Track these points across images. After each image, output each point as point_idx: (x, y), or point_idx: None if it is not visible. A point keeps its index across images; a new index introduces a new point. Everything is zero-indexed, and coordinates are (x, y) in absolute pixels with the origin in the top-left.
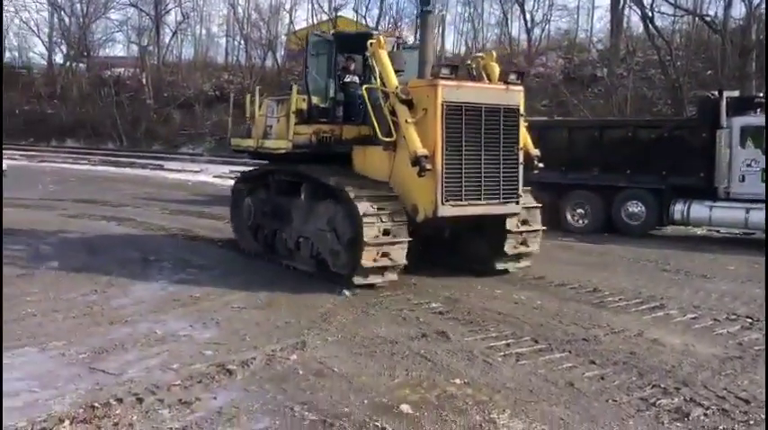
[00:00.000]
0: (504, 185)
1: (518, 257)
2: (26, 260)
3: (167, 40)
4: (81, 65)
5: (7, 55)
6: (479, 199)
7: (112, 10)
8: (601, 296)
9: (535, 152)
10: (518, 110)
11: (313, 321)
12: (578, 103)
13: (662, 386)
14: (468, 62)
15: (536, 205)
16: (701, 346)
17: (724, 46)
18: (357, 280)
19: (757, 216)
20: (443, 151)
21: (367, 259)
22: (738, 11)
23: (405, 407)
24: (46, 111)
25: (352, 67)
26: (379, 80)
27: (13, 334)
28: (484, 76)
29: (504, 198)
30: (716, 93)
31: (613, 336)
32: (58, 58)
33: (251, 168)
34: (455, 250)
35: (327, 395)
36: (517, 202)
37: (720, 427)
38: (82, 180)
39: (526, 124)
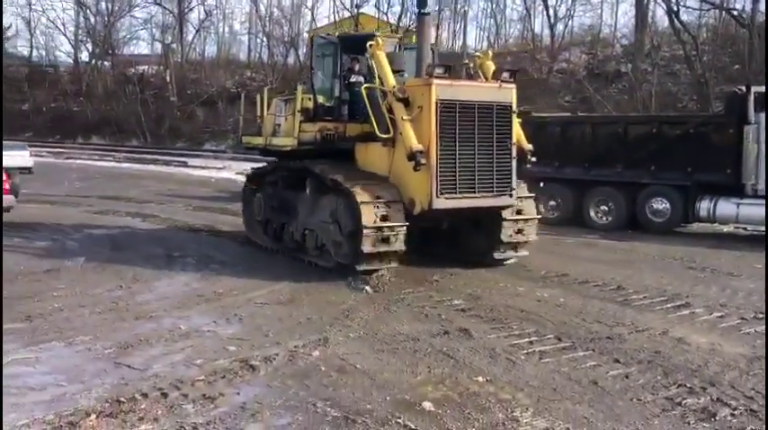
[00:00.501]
0: (497, 179)
1: (515, 246)
2: (53, 255)
3: (190, 38)
4: (106, 63)
5: (34, 53)
6: (473, 192)
7: (137, 8)
8: (625, 294)
9: (528, 147)
10: (510, 107)
11: (335, 317)
12: (602, 98)
13: (688, 385)
14: (466, 61)
15: (529, 195)
16: (727, 345)
17: (751, 40)
18: (359, 267)
19: None
20: (438, 146)
21: (366, 244)
22: (766, 4)
23: (427, 405)
24: (72, 109)
25: (357, 67)
26: (378, 80)
27: (41, 328)
28: (480, 74)
29: (497, 191)
30: (743, 88)
31: (638, 335)
32: (84, 56)
33: (260, 165)
34: (454, 242)
35: (350, 391)
36: (511, 195)
37: (748, 428)
38: (107, 177)
39: (520, 120)
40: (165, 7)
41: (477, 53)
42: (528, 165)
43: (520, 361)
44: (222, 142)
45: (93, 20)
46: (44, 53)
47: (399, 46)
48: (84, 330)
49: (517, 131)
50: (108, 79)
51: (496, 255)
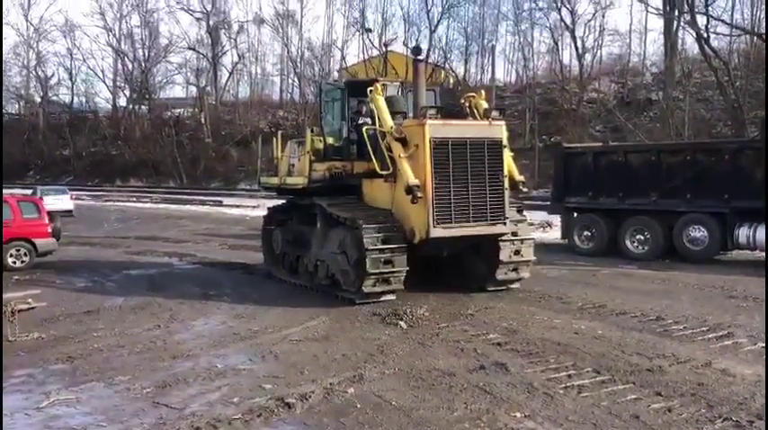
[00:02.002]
0: (491, 209)
1: (515, 268)
2: (92, 297)
3: (224, 80)
4: (143, 107)
5: (75, 100)
6: (468, 221)
7: (172, 53)
8: (665, 324)
9: (520, 178)
10: (500, 142)
11: (370, 354)
12: (634, 127)
13: (734, 419)
14: (463, 101)
15: (521, 218)
16: None
17: None
18: (360, 300)
19: None
20: (433, 180)
21: (367, 286)
22: None
23: None
24: (111, 153)
25: (364, 110)
26: (377, 121)
27: (82, 369)
28: (475, 112)
29: (491, 219)
30: None
31: (679, 367)
32: (122, 101)
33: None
34: (455, 269)
35: (386, 429)
36: (504, 223)
37: None
38: (144, 218)
39: (512, 154)
40: (199, 52)
41: (473, 93)
42: (520, 195)
43: (558, 395)
44: (256, 181)
45: (130, 66)
46: (84, 100)
47: (402, 89)
48: (124, 370)
49: (509, 164)
50: (145, 123)
51: (498, 277)
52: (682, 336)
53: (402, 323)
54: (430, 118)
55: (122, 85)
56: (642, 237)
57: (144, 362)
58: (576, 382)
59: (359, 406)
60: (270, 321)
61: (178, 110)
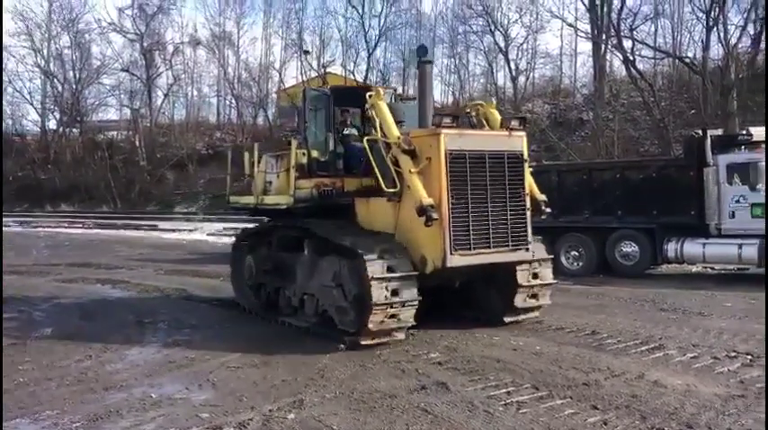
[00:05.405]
0: (512, 232)
1: (534, 293)
2: (18, 328)
3: (159, 102)
4: (74, 130)
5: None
6: (488, 247)
7: (104, 75)
8: (600, 338)
9: (541, 197)
10: (522, 155)
11: (310, 378)
12: (566, 146)
13: (665, 429)
14: (468, 110)
15: (547, 257)
16: (702, 386)
17: (705, 86)
18: (364, 340)
19: (750, 251)
20: (449, 200)
21: (374, 321)
22: (716, 52)
23: None
24: (40, 177)
25: (349, 120)
26: (379, 131)
27: (5, 406)
28: (484, 123)
29: (513, 245)
30: (700, 131)
31: (614, 380)
32: (52, 124)
33: (252, 226)
34: (462, 298)
35: None
36: (527, 249)
37: None
38: (76, 244)
39: (530, 169)
40: (133, 74)
41: (480, 101)
42: (543, 217)
43: (498, 412)
44: (193, 204)
45: (60, 88)
46: (10, 122)
47: (395, 97)
48: (51, 404)
49: (530, 181)
50: (76, 146)
51: (518, 303)
52: (616, 350)
53: (342, 345)
54: (444, 127)
55: (52, 107)
56: (577, 254)
57: (74, 395)
58: (516, 399)
59: None
60: (207, 347)
61: (111, 132)
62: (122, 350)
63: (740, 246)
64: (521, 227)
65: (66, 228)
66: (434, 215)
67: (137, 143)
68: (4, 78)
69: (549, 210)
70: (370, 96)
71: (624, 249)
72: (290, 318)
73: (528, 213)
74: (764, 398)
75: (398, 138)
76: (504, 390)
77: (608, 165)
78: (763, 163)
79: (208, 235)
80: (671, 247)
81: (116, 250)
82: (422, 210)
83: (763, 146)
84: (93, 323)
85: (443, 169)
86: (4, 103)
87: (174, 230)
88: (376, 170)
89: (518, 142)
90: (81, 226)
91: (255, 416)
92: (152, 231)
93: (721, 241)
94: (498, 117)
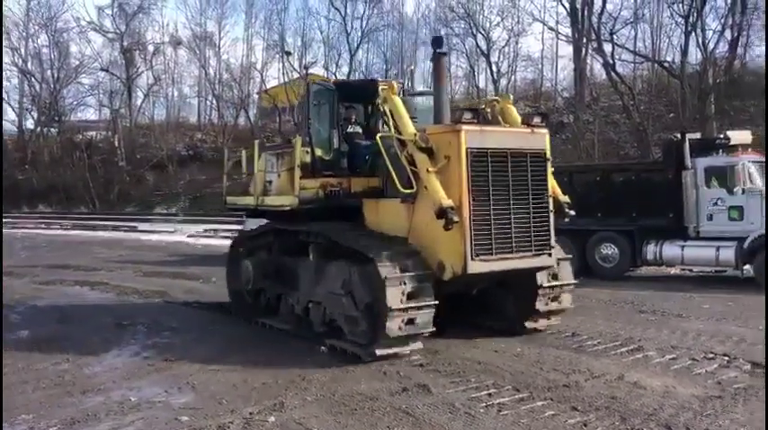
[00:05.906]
0: (535, 236)
1: (548, 315)
2: None
3: (139, 103)
4: (52, 130)
5: None
6: (511, 252)
7: (83, 75)
8: (580, 340)
9: (564, 199)
10: (545, 154)
11: (291, 381)
12: None
13: None
14: (483, 106)
15: (566, 257)
16: (681, 387)
17: (683, 90)
18: (380, 351)
19: (727, 253)
20: (470, 201)
21: (392, 327)
22: (695, 56)
23: None
24: (17, 177)
25: (354, 117)
26: (393, 128)
27: None
28: (500, 120)
29: (536, 250)
30: (678, 135)
31: (594, 381)
32: (29, 124)
33: (239, 227)
34: (477, 304)
35: None
36: (550, 254)
37: None
38: (54, 245)
39: (553, 169)
40: (112, 73)
41: (497, 97)
42: (566, 220)
43: (479, 414)
44: (173, 205)
45: (38, 87)
46: None
47: (403, 92)
48: (27, 408)
49: (552, 182)
50: (54, 146)
51: (528, 325)
52: (596, 351)
53: (324, 348)
54: (465, 122)
55: (29, 106)
56: None
57: (51, 399)
58: (497, 401)
59: None
60: (187, 350)
61: (90, 132)
62: (101, 353)
63: (718, 248)
64: (544, 230)
65: (43, 229)
66: (455, 218)
67: (116, 143)
68: None
69: (572, 212)
70: (383, 90)
71: (604, 251)
72: (270, 320)
73: (551, 216)
74: (765, 398)
75: (415, 134)
76: (486, 392)
77: (588, 168)
78: (740, 166)
79: (188, 236)
80: (650, 250)
81: (95, 252)
82: (441, 213)
83: (741, 149)
84: (71, 326)
85: (464, 169)
86: None
87: (153, 232)
88: (390, 169)
89: (541, 140)
90: (59, 227)
91: (236, 420)
92: (131, 232)
93: (699, 244)
94: (516, 113)
